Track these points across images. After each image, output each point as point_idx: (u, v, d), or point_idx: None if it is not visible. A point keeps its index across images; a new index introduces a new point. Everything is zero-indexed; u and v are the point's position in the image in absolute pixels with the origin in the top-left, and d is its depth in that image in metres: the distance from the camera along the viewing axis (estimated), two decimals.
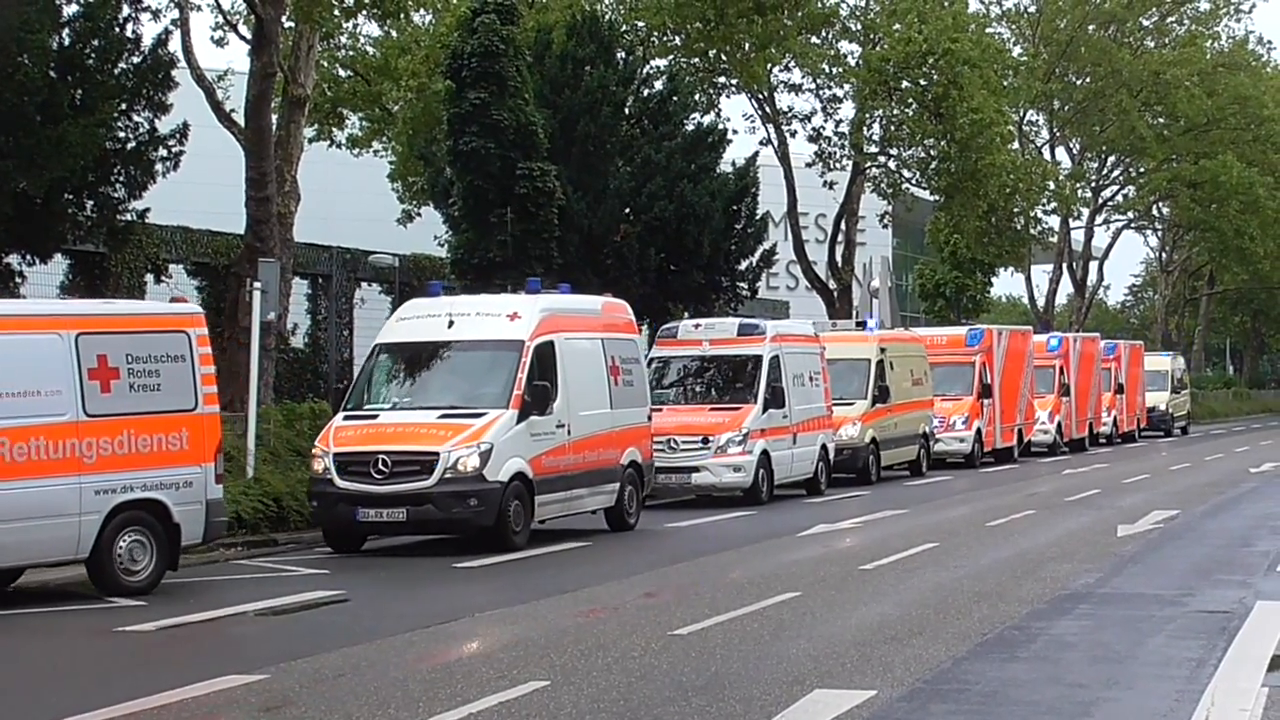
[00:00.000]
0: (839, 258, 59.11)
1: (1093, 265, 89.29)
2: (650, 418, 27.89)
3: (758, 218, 43.57)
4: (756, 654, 14.16)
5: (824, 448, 34.58)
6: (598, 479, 25.49)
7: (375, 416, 23.77)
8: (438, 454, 22.54)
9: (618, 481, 26.02)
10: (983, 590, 18.21)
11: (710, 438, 31.00)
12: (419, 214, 49.78)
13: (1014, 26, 76.92)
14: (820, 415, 34.54)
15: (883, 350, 39.42)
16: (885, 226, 69.44)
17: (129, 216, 30.86)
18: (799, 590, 18.29)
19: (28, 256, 29.95)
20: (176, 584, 19.95)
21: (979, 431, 45.06)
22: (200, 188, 45.26)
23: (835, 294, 58.48)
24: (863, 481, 37.05)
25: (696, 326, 33.72)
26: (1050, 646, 14.62)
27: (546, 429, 23.94)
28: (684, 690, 12.60)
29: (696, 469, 30.99)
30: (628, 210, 40.31)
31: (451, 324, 24.67)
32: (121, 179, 29.98)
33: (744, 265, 43.37)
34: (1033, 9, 76.97)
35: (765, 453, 31.55)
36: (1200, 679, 12.90)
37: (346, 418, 23.95)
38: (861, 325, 41.99)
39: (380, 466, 22.60)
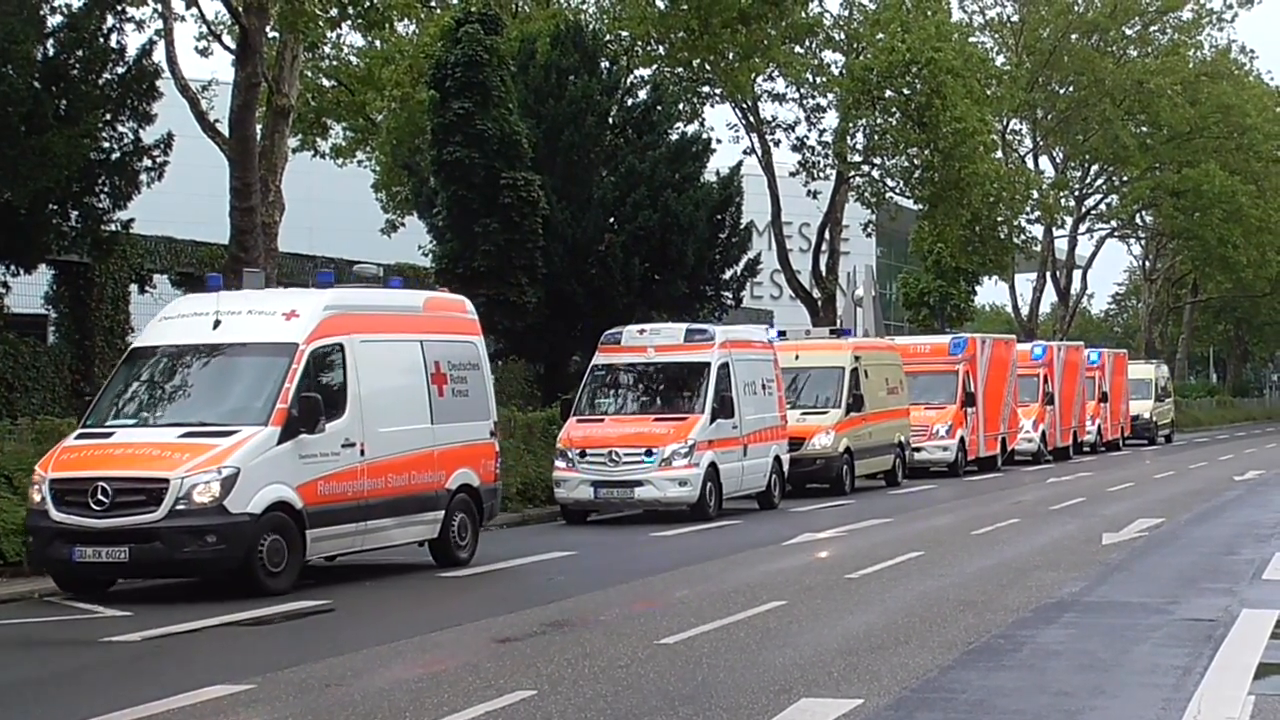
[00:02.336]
0: (823, 267, 59.20)
1: (1076, 274, 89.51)
2: (494, 433, 24.05)
3: (742, 227, 43.55)
4: (743, 663, 14.16)
5: (777, 459, 33.27)
6: (411, 507, 21.77)
7: (109, 435, 20.00)
8: (167, 481, 18.84)
9: (442, 509, 22.33)
10: (969, 599, 18.22)
11: (654, 449, 29.60)
12: (403, 224, 49.81)
13: (997, 36, 77.14)
14: (774, 425, 33.29)
15: (857, 358, 38.66)
16: (869, 235, 69.65)
17: (113, 227, 30.83)
18: (785, 599, 18.28)
19: (12, 267, 29.91)
20: (162, 594, 19.91)
21: (962, 440, 44.94)
22: (184, 198, 45.30)
23: (819, 303, 58.55)
24: (836, 492, 36.33)
25: (641, 332, 32.05)
26: (1036, 655, 14.63)
27: (326, 449, 20.24)
28: (671, 700, 12.59)
29: (640, 483, 29.52)
30: (612, 220, 40.30)
31: (218, 324, 20.76)
32: (106, 189, 29.96)
33: (728, 275, 43.35)
34: (1015, 18, 77.18)
35: (713, 465, 30.16)
36: (1186, 687, 12.91)
37: (78, 436, 20.37)
38: (837, 333, 41.35)
39: (100, 496, 18.89)
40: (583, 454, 29.78)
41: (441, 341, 23.13)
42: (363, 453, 20.81)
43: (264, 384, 20.11)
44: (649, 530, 28.07)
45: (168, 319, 21.57)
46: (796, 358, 37.47)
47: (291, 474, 19.72)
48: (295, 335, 20.46)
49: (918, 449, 43.37)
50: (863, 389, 38.28)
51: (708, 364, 30.82)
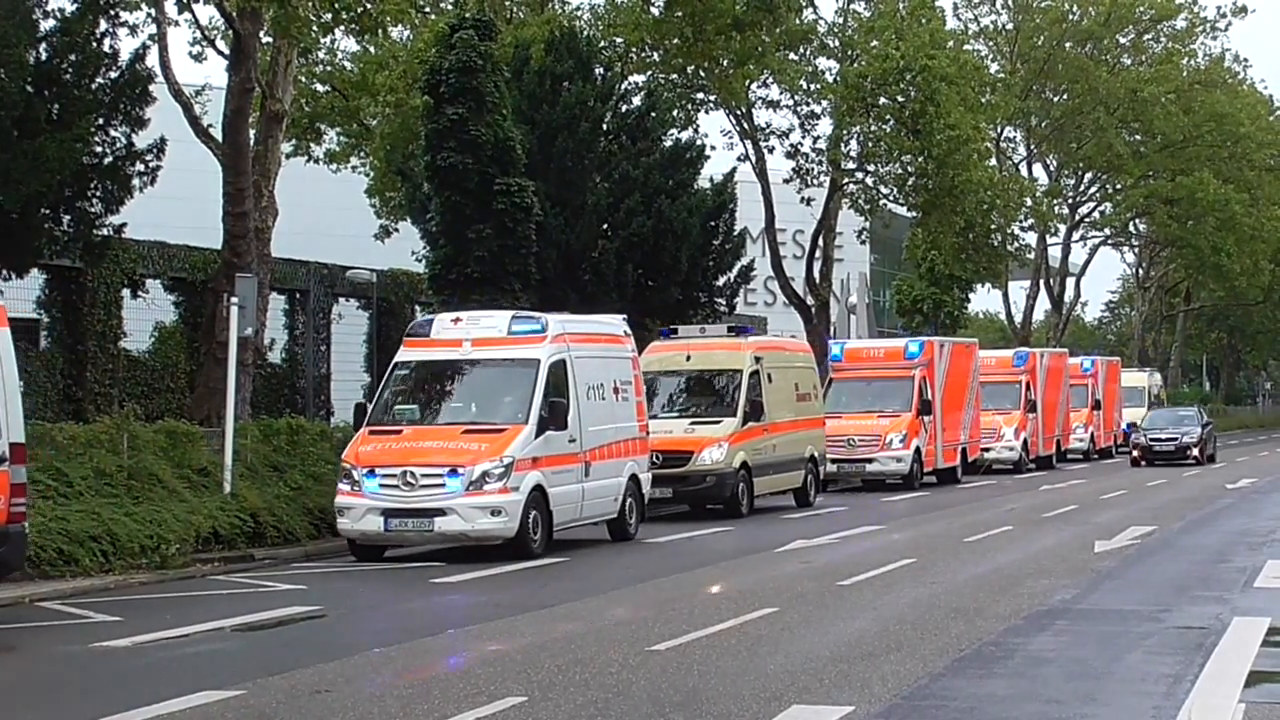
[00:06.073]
0: (817, 273, 59.21)
1: (1070, 281, 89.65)
2: (9, 459, 17.98)
3: (735, 233, 43.60)
4: (734, 670, 14.14)
5: (635, 479, 27.81)
6: None
7: None
8: None
9: None
10: (960, 606, 18.21)
11: (460, 469, 23.76)
12: (397, 229, 49.83)
13: (991, 44, 77.22)
14: (630, 437, 27.87)
15: (758, 360, 34.10)
16: (863, 242, 69.55)
17: (106, 231, 30.83)
18: (777, 606, 18.27)
19: (3, 271, 29.90)
20: (153, 600, 19.89)
21: (918, 450, 42.13)
22: (178, 203, 45.30)
23: (813, 310, 58.55)
24: (732, 513, 32.19)
25: (456, 321, 26.28)
26: (1027, 663, 14.62)
27: None
28: (662, 706, 12.58)
29: (441, 511, 23.69)
30: (605, 226, 40.33)
31: None
32: (98, 194, 29.97)
33: (721, 281, 43.40)
34: (1010, 26, 77.27)
35: (539, 488, 24.43)
36: (1177, 695, 12.90)
37: None
38: (736, 331, 36.01)
39: None
40: (371, 474, 24.06)
41: None
42: None
43: None
44: (642, 537, 27.98)
45: None
46: (688, 358, 34.02)
47: None
48: None
49: (870, 460, 41.27)
50: (764, 395, 33.86)
51: (536, 361, 25.30)
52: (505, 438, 24.24)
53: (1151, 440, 54.85)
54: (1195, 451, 54.25)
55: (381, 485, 23.86)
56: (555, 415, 24.92)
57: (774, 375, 34.66)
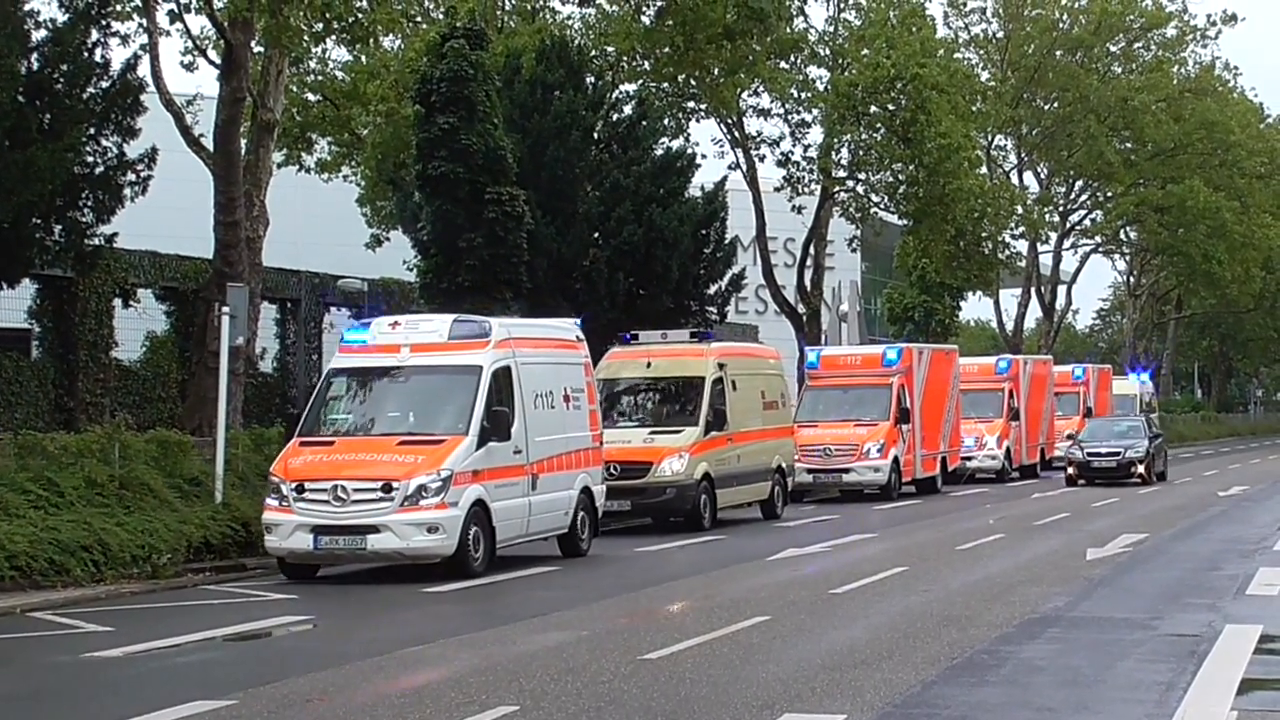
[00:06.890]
0: (808, 282, 59.25)
1: (1061, 289, 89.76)
2: None
3: (726, 242, 43.59)
4: (726, 678, 14.14)
5: (587, 492, 26.41)
6: None
7: None
8: None
9: None
10: (952, 614, 18.21)
11: (395, 484, 22.26)
12: (388, 238, 49.83)
13: (982, 52, 77.37)
14: (582, 448, 26.42)
15: (721, 366, 32.79)
16: (854, 250, 69.76)
17: (97, 241, 30.83)
18: (769, 614, 18.26)
19: None
20: (144, 610, 19.87)
21: (896, 460, 41.15)
22: (169, 212, 45.28)
23: (804, 318, 58.58)
24: (693, 526, 31.08)
25: (394, 326, 24.70)
26: (1019, 670, 14.62)
27: None
28: (653, 715, 12.57)
29: (374, 528, 22.25)
30: (596, 235, 40.33)
31: None
32: (90, 203, 29.98)
33: (713, 289, 43.38)
34: (1001, 35, 77.38)
35: (480, 503, 22.95)
36: (1169, 703, 12.90)
37: None
38: (699, 336, 34.53)
39: None
40: (300, 489, 22.62)
41: None
42: None
43: None
44: (633, 545, 27.99)
45: None
46: (649, 365, 32.90)
47: None
48: None
49: (846, 470, 40.37)
50: (728, 404, 32.57)
51: (478, 368, 23.78)
52: (443, 449, 22.80)
53: (1090, 455, 47.20)
54: (1141, 469, 47.15)
55: (312, 500, 22.47)
56: (498, 425, 23.58)
57: (739, 382, 33.41)
